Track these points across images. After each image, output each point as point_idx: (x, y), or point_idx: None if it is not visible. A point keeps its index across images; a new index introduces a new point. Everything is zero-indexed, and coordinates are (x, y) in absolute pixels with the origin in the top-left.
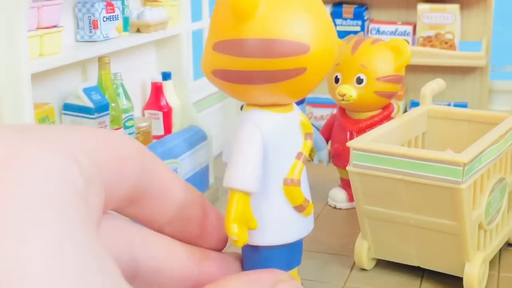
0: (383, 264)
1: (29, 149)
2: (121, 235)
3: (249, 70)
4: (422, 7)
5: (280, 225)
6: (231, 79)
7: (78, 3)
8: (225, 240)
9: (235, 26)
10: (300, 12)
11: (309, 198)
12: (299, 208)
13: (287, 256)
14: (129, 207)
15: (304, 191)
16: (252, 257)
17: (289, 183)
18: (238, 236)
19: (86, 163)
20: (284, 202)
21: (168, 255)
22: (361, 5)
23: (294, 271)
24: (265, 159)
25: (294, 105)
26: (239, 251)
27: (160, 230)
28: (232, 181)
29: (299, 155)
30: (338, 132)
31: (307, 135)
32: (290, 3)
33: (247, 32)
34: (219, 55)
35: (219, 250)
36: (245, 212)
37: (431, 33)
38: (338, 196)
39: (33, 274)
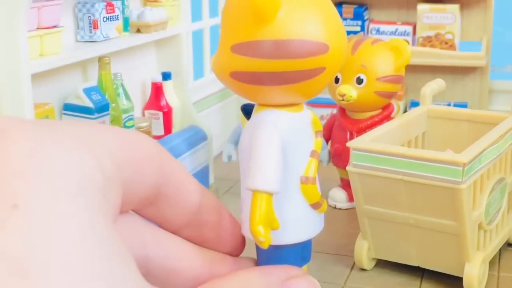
0: (383, 264)
1: (51, 144)
2: (133, 231)
3: (270, 71)
4: (422, 7)
5: (298, 224)
6: (251, 80)
7: (78, 3)
8: (240, 246)
9: (255, 28)
10: (318, 12)
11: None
12: (316, 206)
13: (299, 253)
14: (147, 208)
15: (319, 188)
16: (267, 257)
17: (306, 181)
18: (264, 237)
19: (105, 161)
20: (302, 201)
21: (180, 255)
22: (361, 5)
23: (305, 267)
24: (283, 158)
25: (304, 103)
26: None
27: (176, 233)
28: (255, 182)
29: (313, 153)
30: (338, 132)
31: (317, 133)
32: (307, 3)
33: (268, 34)
34: (238, 57)
35: (235, 255)
36: (269, 213)
37: (431, 33)
38: (338, 196)
39: (58, 263)
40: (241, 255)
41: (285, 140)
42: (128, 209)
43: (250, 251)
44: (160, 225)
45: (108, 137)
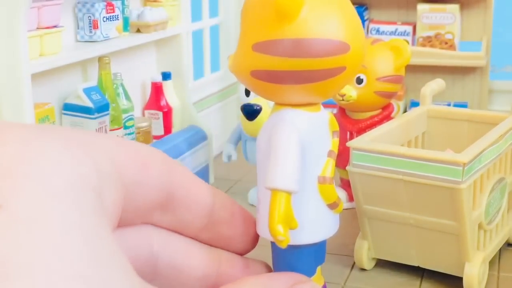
0: (383, 264)
1: (42, 144)
2: (140, 230)
3: (292, 70)
4: (422, 7)
5: (315, 224)
6: (271, 79)
7: (78, 3)
8: (253, 242)
9: (276, 26)
10: (339, 11)
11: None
12: (333, 206)
13: (314, 254)
14: (163, 214)
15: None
16: (283, 256)
17: (323, 181)
18: (284, 236)
19: (101, 159)
20: (319, 200)
21: (188, 254)
22: (361, 5)
23: (319, 268)
24: (302, 158)
25: (320, 103)
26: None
27: (195, 237)
28: (274, 182)
29: (330, 153)
30: None
31: (334, 133)
32: (329, 2)
33: (289, 32)
34: (259, 55)
35: (248, 251)
36: (288, 212)
37: (431, 33)
38: None
39: (41, 263)
40: (256, 256)
41: (304, 139)
42: (141, 213)
43: (264, 252)
44: (180, 232)
45: (104, 139)
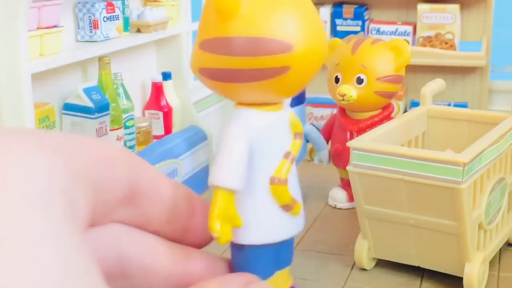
0: (383, 264)
1: (14, 148)
2: (108, 230)
3: (234, 69)
4: (422, 7)
5: (265, 224)
6: (217, 77)
7: (78, 3)
8: (210, 235)
9: (220, 25)
10: (286, 11)
11: (298, 198)
12: (286, 208)
13: (274, 255)
14: (128, 209)
15: (293, 190)
16: (240, 256)
17: (276, 182)
18: (220, 233)
19: (72, 162)
20: (270, 201)
21: (155, 253)
22: (362, 5)
23: (286, 270)
24: (252, 157)
25: (285, 104)
26: (226, 250)
27: (157, 232)
28: (216, 179)
29: (287, 155)
30: (338, 132)
31: (296, 135)
32: (277, 1)
33: (232, 30)
34: (205, 53)
35: (205, 244)
36: (229, 209)
37: (431, 33)
38: (338, 196)
39: (10, 275)
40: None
41: (256, 139)
42: (107, 209)
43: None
44: (143, 227)
45: (69, 140)
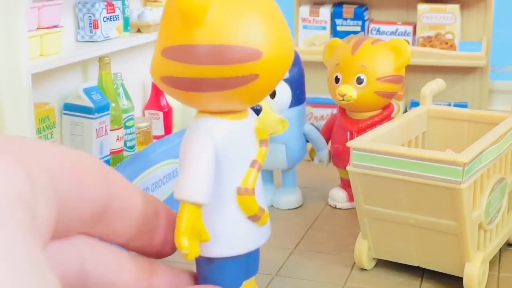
0: (383, 264)
1: None
2: (72, 243)
3: (199, 77)
4: (422, 7)
5: (234, 236)
6: (181, 86)
7: (78, 3)
8: (174, 246)
9: (185, 31)
10: (253, 17)
11: (264, 206)
12: (254, 218)
13: (243, 266)
14: (96, 225)
15: (259, 200)
16: (207, 269)
17: (243, 192)
18: (188, 249)
19: (36, 171)
20: (238, 212)
21: (118, 269)
22: (361, 5)
23: (252, 279)
24: (218, 167)
25: (249, 111)
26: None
27: (123, 244)
28: (182, 192)
29: (253, 163)
30: (338, 132)
31: (262, 142)
32: (242, 7)
33: (197, 38)
34: (168, 61)
35: (170, 254)
36: (196, 224)
37: (431, 33)
38: (338, 196)
39: None
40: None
41: (221, 148)
42: (79, 228)
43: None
44: (110, 240)
45: (42, 147)
